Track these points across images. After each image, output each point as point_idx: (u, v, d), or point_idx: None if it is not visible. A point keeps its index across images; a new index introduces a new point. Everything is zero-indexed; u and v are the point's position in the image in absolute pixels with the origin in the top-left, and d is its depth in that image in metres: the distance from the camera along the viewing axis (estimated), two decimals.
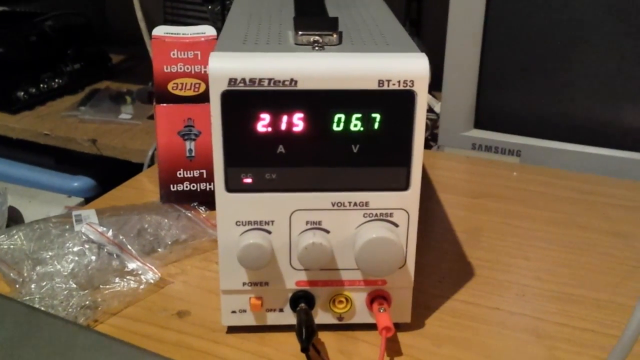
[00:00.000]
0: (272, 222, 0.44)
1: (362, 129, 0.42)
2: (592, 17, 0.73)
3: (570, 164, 0.78)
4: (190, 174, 0.65)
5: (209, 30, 0.64)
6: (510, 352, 0.48)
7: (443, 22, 0.79)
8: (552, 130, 0.79)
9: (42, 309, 0.49)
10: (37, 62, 1.13)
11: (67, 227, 0.58)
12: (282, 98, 0.41)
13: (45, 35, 1.14)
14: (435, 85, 0.86)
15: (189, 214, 0.63)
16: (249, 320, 0.48)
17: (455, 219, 0.66)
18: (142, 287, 0.53)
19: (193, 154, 0.65)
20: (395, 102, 0.42)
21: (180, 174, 0.65)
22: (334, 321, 0.48)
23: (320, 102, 0.41)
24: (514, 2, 0.76)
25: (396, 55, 0.42)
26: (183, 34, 0.63)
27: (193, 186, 0.66)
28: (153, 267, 0.55)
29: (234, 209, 0.44)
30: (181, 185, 0.65)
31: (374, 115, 0.42)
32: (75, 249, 0.55)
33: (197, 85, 0.64)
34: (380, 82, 0.41)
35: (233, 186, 0.43)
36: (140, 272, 0.55)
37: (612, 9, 0.72)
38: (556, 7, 0.75)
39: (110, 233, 0.57)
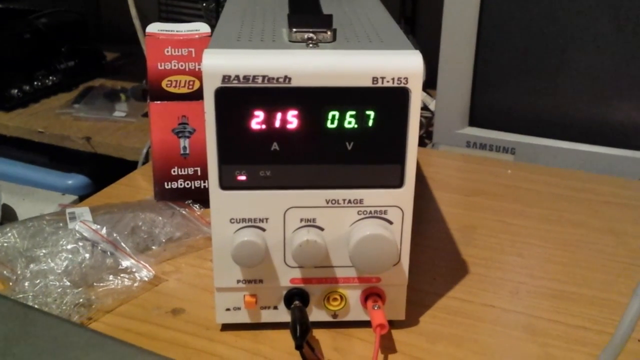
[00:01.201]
0: (267, 219, 0.44)
1: (356, 126, 0.42)
2: (586, 16, 0.74)
3: (564, 161, 0.79)
4: (184, 171, 0.65)
5: (203, 28, 0.64)
6: (504, 349, 0.48)
7: (438, 20, 0.79)
8: (547, 128, 0.80)
9: (36, 306, 0.49)
10: (31, 60, 1.13)
11: (61, 224, 0.58)
12: (276, 95, 0.41)
13: (39, 33, 1.14)
14: (430, 83, 0.86)
15: (184, 212, 0.63)
16: (243, 317, 0.48)
17: (450, 216, 0.66)
18: (136, 284, 0.53)
19: (187, 152, 0.64)
20: (389, 100, 0.42)
21: (174, 171, 0.65)
22: (329, 318, 0.48)
23: (314, 99, 0.41)
24: (508, 0, 0.76)
25: (390, 53, 0.42)
26: (177, 31, 0.63)
27: (187, 184, 0.65)
28: (147, 265, 0.55)
29: (228, 206, 0.44)
30: (175, 183, 0.65)
31: (368, 112, 0.42)
32: (69, 246, 0.55)
33: (191, 83, 0.63)
34: (375, 80, 0.41)
35: (227, 183, 0.43)
36: (134, 269, 0.55)
37: (605, 7, 0.72)
38: (550, 6, 0.75)
39: (104, 231, 0.57)
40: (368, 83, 0.41)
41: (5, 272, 0.53)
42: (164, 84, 0.63)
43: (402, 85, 0.41)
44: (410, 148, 0.43)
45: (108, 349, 0.41)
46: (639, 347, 0.47)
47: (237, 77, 0.41)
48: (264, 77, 0.41)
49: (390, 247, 0.44)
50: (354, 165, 0.43)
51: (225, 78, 0.41)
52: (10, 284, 0.52)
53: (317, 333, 0.48)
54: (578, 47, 0.75)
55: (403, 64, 0.41)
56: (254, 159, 0.43)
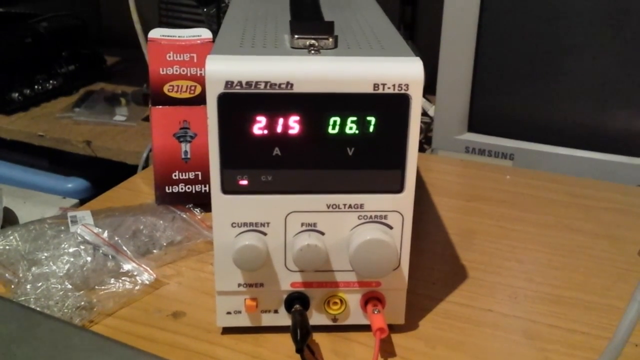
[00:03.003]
0: (268, 223, 0.45)
1: (357, 132, 0.43)
2: (584, 24, 0.74)
3: (562, 167, 0.79)
4: (185, 175, 0.65)
5: (204, 33, 0.64)
6: (503, 353, 0.48)
7: (437, 27, 0.79)
8: (545, 134, 0.80)
9: (38, 309, 0.49)
10: (31, 64, 1.13)
11: (63, 228, 0.58)
12: (278, 101, 0.41)
13: (40, 37, 1.14)
14: (429, 89, 0.87)
15: (184, 216, 0.63)
16: (244, 321, 0.48)
17: (449, 221, 0.67)
18: (137, 288, 0.53)
19: (188, 156, 0.65)
20: (390, 106, 0.42)
21: (175, 175, 0.65)
22: (329, 322, 0.48)
23: (316, 105, 0.42)
24: (507, 7, 0.77)
25: (391, 59, 0.42)
26: (179, 36, 0.64)
27: (188, 188, 0.66)
28: (148, 269, 0.55)
29: (230, 210, 0.44)
30: (176, 187, 0.66)
31: (369, 118, 0.42)
32: (71, 250, 0.55)
33: (192, 88, 0.64)
34: (376, 86, 0.41)
35: (229, 188, 0.44)
36: (135, 273, 0.55)
37: (604, 15, 0.73)
38: (549, 13, 0.75)
39: (105, 234, 0.57)
40: (369, 89, 0.41)
41: (7, 275, 0.54)
42: (165, 88, 0.64)
43: (402, 91, 0.42)
44: (410, 154, 0.43)
45: (109, 351, 0.42)
46: (637, 351, 0.48)
47: (240, 82, 0.41)
48: (266, 83, 0.41)
49: (390, 251, 0.44)
50: (355, 171, 0.44)
51: (228, 84, 0.41)
52: (12, 286, 0.52)
53: (317, 337, 0.48)
54: (576, 54, 0.76)
55: (404, 71, 0.42)
56: (255, 163, 0.43)
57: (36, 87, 1.12)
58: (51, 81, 1.15)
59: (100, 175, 1.03)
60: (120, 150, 0.99)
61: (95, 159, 1.01)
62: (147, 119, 1.05)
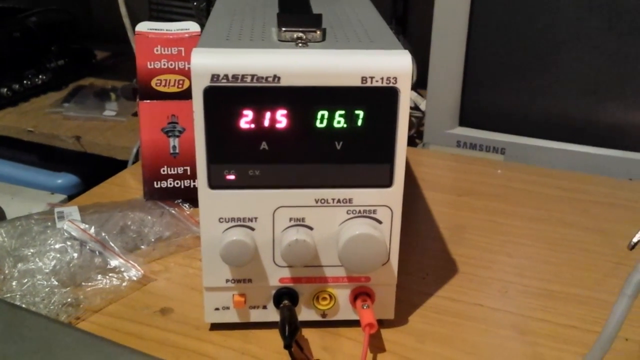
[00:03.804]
0: (256, 218, 0.44)
1: (345, 125, 0.42)
2: (576, 17, 0.74)
3: (553, 161, 0.79)
4: (174, 170, 0.65)
5: (193, 27, 0.64)
6: (493, 348, 0.48)
7: (429, 20, 0.79)
8: (536, 128, 0.80)
9: (24, 306, 0.49)
10: (20, 58, 1.12)
11: (49, 224, 0.58)
12: (265, 94, 0.41)
13: (29, 31, 1.13)
14: (421, 83, 0.87)
15: (173, 211, 0.63)
16: (232, 317, 0.48)
17: (439, 216, 0.66)
18: (124, 284, 0.53)
19: (177, 151, 0.64)
20: (378, 99, 0.42)
21: (164, 170, 0.65)
22: (318, 318, 0.48)
23: (304, 99, 0.41)
24: (499, 1, 0.77)
25: (379, 52, 0.42)
26: (167, 30, 0.63)
27: (177, 183, 0.65)
28: (136, 265, 0.55)
29: (217, 205, 0.44)
30: (165, 182, 0.65)
31: (357, 112, 0.42)
32: (57, 246, 0.55)
33: (181, 82, 0.63)
34: (364, 79, 0.41)
35: (216, 183, 0.43)
36: (123, 269, 0.54)
37: (595, 9, 0.73)
38: (540, 7, 0.75)
39: (92, 230, 0.57)
40: (357, 83, 0.41)
41: None
42: (153, 83, 0.63)
43: (391, 85, 0.41)
44: (399, 147, 0.43)
45: (96, 348, 0.41)
46: (627, 345, 0.48)
47: (226, 76, 0.40)
48: (253, 76, 0.41)
49: (380, 246, 0.44)
50: (343, 165, 0.43)
51: (214, 77, 0.40)
52: None
53: (306, 332, 0.48)
54: (568, 48, 0.75)
55: (392, 64, 0.41)
56: (243, 158, 0.43)
57: (25, 82, 1.11)
58: (40, 76, 1.14)
59: (90, 170, 1.03)
60: (110, 145, 0.98)
61: (85, 154, 1.00)
62: (137, 114, 1.04)
